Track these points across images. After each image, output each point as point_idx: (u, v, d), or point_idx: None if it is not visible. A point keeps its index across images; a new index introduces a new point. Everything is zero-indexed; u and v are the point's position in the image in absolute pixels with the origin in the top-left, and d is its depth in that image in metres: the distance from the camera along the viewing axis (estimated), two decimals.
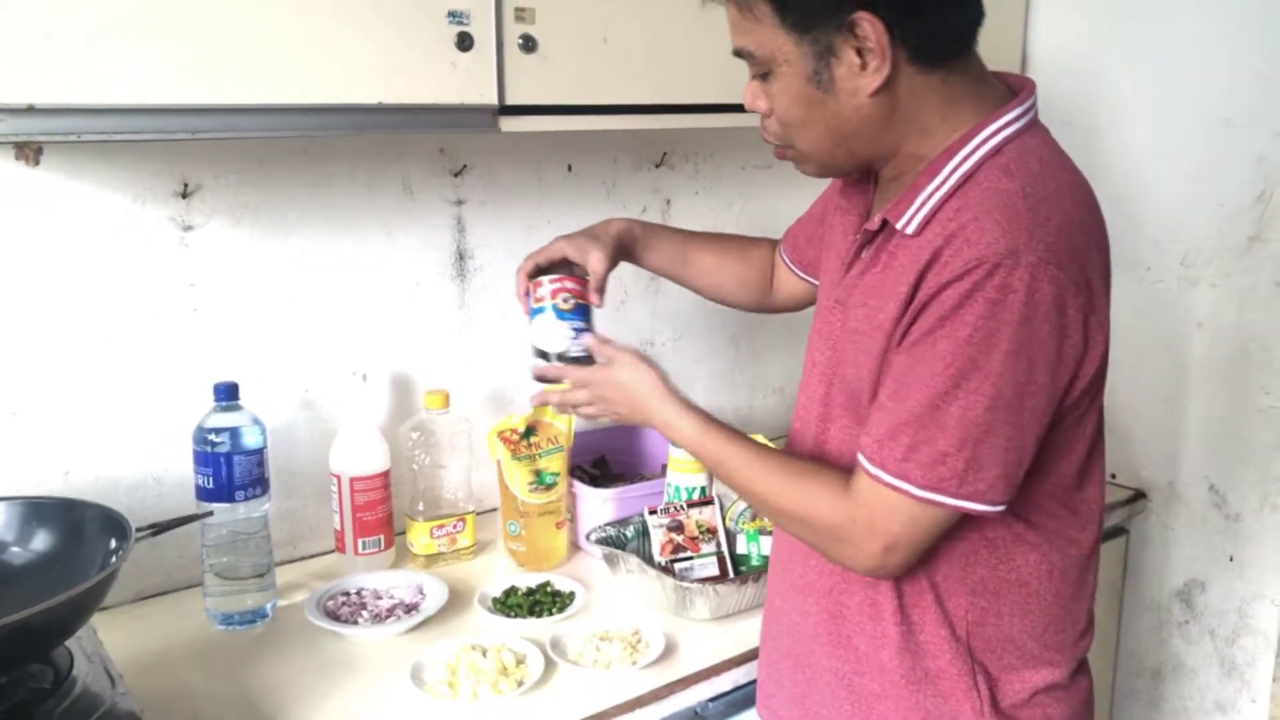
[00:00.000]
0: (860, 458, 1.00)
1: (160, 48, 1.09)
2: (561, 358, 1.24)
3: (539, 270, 1.29)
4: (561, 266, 1.29)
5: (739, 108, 1.10)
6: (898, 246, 1.01)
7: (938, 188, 0.98)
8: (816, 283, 1.38)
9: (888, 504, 0.98)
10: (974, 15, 1.00)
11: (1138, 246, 1.95)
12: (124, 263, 1.42)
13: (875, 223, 1.03)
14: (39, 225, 1.35)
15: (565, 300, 1.23)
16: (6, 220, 1.32)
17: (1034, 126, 1.02)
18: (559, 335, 1.23)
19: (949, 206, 0.97)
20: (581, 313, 1.24)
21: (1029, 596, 1.06)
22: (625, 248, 1.37)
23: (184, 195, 1.45)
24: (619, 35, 1.43)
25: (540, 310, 1.24)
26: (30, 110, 1.03)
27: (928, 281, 0.95)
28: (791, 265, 1.41)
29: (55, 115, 1.05)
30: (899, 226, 1.00)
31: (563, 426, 1.61)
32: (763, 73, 1.02)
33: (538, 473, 1.55)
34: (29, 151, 1.19)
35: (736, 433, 1.15)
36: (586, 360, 1.23)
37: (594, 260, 1.29)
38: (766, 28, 0.98)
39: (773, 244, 1.47)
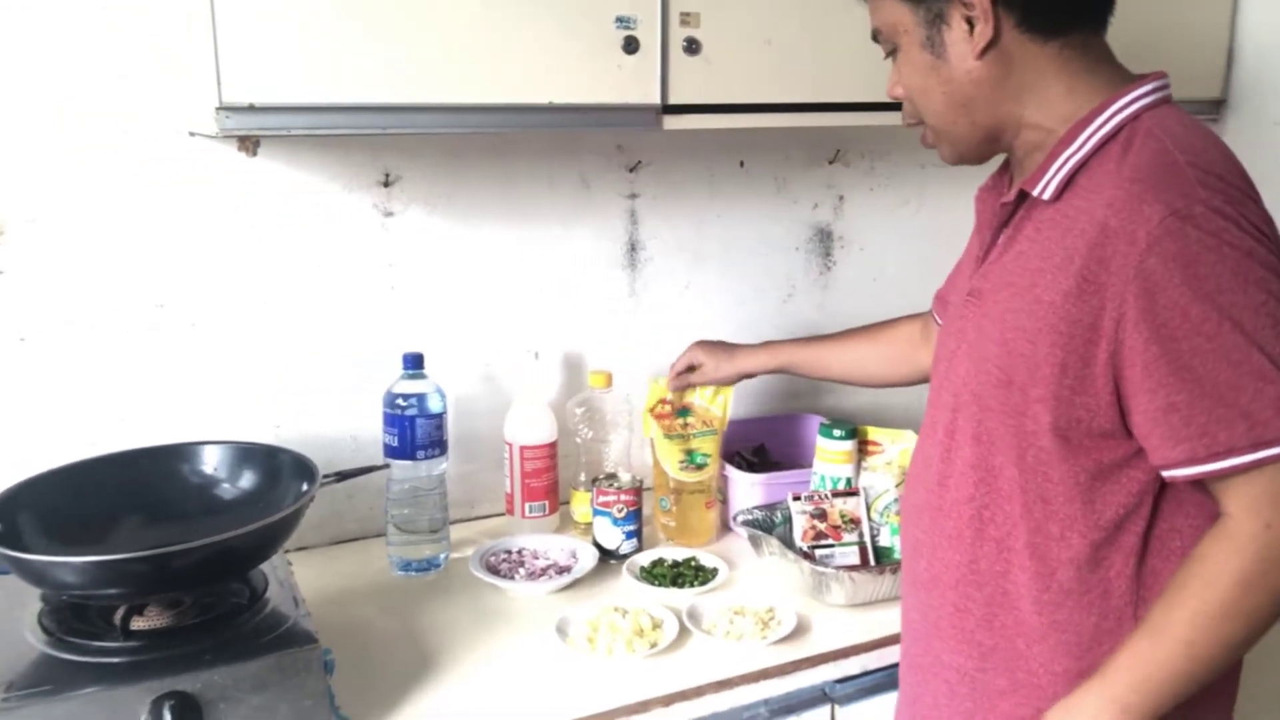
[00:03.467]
0: (1204, 469, 0.93)
1: (362, 53, 1.24)
2: (614, 554, 1.58)
3: (604, 477, 1.64)
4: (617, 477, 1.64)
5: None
6: (1043, 219, 1.02)
7: (1074, 152, 1.01)
8: None
9: (1272, 484, 0.91)
10: None
11: None
12: (332, 243, 1.60)
13: (1011, 195, 1.06)
14: (261, 209, 1.53)
15: (620, 510, 1.59)
16: (233, 203, 1.51)
17: (1168, 103, 1.03)
18: (614, 537, 1.59)
19: (1098, 173, 0.98)
20: (633, 517, 1.60)
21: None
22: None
23: (386, 185, 1.61)
24: (783, 37, 1.48)
25: (601, 513, 1.60)
26: (251, 108, 1.20)
27: (1118, 256, 0.93)
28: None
29: (271, 112, 1.21)
30: (1035, 192, 1.02)
31: (718, 411, 1.68)
32: (891, 50, 1.10)
33: (689, 452, 1.63)
34: (248, 144, 1.37)
35: (1124, 659, 0.98)
36: (635, 552, 1.60)
37: (709, 373, 1.63)
38: (889, 2, 1.07)
39: (917, 316, 1.51)
